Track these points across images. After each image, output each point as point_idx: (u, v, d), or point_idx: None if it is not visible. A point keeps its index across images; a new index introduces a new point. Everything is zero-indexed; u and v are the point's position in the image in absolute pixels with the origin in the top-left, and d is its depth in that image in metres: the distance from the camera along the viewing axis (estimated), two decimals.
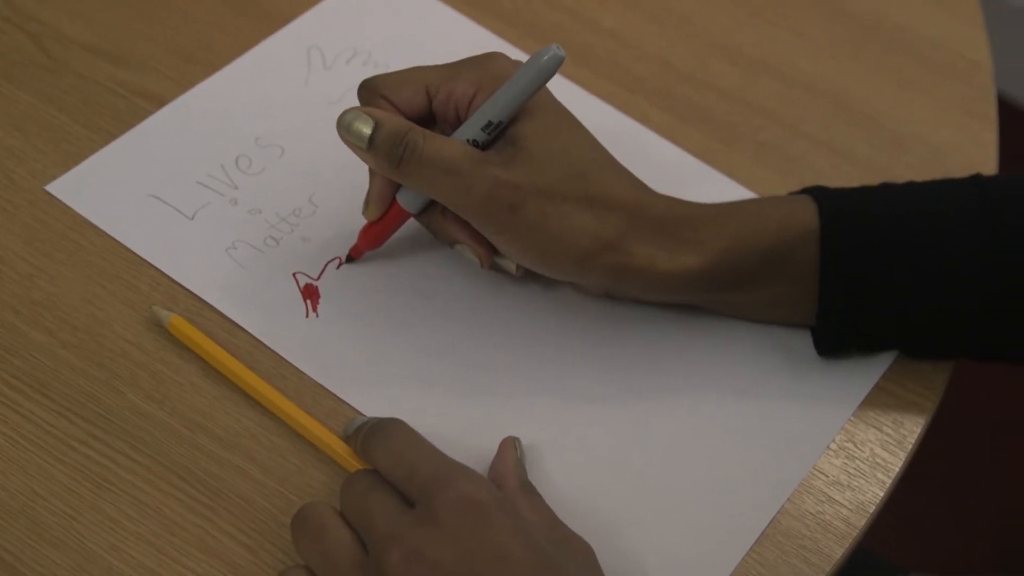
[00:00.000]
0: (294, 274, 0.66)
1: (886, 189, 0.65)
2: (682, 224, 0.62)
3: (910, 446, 0.64)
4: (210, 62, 0.74)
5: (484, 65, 0.62)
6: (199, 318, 0.64)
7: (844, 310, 0.63)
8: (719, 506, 0.61)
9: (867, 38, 0.82)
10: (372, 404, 0.62)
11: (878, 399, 0.65)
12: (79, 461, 0.59)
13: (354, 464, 0.59)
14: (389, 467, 0.56)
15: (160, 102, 0.72)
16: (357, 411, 0.62)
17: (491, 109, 0.60)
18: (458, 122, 0.61)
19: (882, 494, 0.62)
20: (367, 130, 0.59)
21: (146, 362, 0.62)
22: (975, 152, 0.76)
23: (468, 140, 0.60)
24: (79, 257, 0.65)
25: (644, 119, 0.75)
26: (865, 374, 0.65)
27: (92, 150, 0.69)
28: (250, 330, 0.64)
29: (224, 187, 0.69)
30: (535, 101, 0.61)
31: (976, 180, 0.65)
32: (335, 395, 0.62)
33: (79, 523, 0.57)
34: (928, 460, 0.73)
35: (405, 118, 0.60)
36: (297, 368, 0.63)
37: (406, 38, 0.77)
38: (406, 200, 0.63)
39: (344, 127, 0.59)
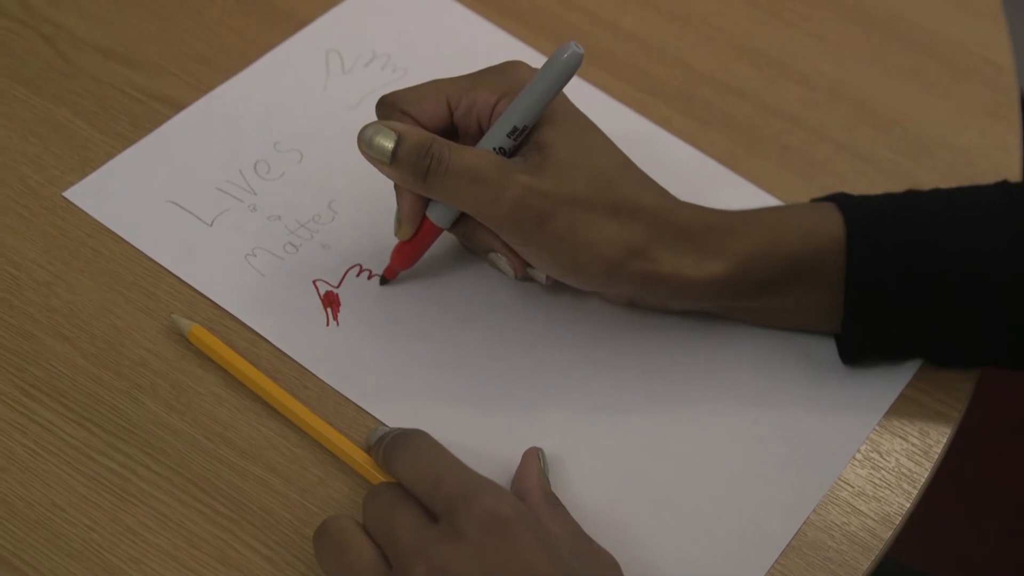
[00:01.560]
0: (314, 281, 0.65)
1: (911, 196, 0.64)
2: (707, 231, 0.61)
3: (936, 456, 0.63)
4: (226, 66, 0.74)
5: (504, 73, 0.61)
6: (218, 326, 0.63)
7: (869, 318, 0.62)
8: (744, 517, 0.60)
9: (889, 41, 0.81)
10: (394, 414, 0.61)
11: (904, 408, 0.64)
12: (98, 472, 0.58)
13: (376, 475, 0.58)
14: (412, 480, 0.55)
15: (177, 106, 0.71)
16: (379, 421, 0.61)
17: (515, 114, 0.59)
18: (480, 133, 0.61)
19: (908, 505, 0.61)
20: (389, 144, 0.58)
21: (166, 371, 0.62)
22: (999, 156, 0.75)
23: (494, 148, 0.59)
24: (97, 264, 0.65)
25: (665, 123, 0.74)
26: (890, 383, 0.65)
27: (109, 155, 0.69)
28: (270, 339, 0.63)
29: (243, 193, 0.68)
30: (556, 108, 0.60)
31: (1004, 186, 0.64)
32: (356, 405, 0.61)
33: (98, 535, 0.57)
34: (952, 465, 0.72)
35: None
36: (318, 378, 0.62)
37: (425, 41, 0.77)
38: (437, 215, 0.62)
39: (365, 142, 0.58)
